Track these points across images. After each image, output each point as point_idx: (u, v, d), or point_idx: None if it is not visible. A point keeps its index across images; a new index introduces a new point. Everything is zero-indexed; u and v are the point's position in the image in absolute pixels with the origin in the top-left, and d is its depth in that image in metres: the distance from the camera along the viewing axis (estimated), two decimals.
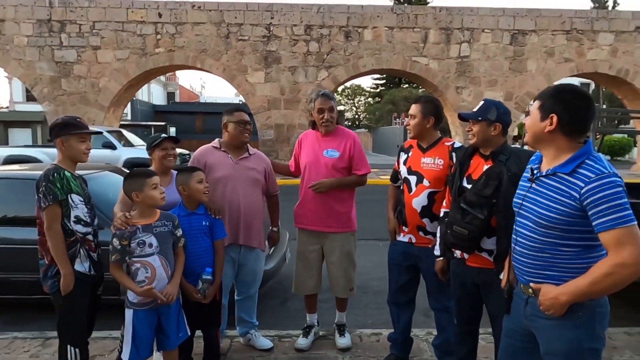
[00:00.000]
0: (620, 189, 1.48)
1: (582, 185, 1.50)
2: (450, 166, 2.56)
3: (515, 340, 1.81)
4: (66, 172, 2.32)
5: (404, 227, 2.71)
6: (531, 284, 1.68)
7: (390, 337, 2.93)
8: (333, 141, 3.01)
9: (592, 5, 34.15)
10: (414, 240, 2.68)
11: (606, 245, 1.49)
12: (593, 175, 1.50)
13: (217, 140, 2.98)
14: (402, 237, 2.73)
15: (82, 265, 2.33)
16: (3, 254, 3.52)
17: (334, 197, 2.97)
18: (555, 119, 1.58)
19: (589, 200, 1.49)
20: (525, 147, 2.56)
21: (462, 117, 2.28)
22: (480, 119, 2.20)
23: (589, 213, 1.50)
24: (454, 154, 2.58)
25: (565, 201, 1.54)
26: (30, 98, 26.01)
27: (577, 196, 1.51)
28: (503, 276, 1.97)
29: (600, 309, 1.61)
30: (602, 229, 1.47)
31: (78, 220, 2.32)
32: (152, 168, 2.64)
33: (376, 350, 3.09)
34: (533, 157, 1.80)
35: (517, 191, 1.78)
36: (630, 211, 1.47)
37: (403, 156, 2.78)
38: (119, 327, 2.51)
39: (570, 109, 1.57)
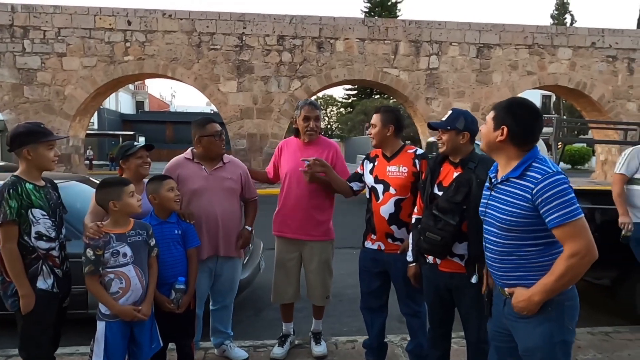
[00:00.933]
0: (566, 185, 1.61)
1: (532, 186, 1.63)
2: (414, 173, 2.65)
3: (499, 342, 1.88)
4: (27, 185, 2.19)
5: (372, 235, 2.76)
6: (505, 289, 1.77)
7: (365, 344, 2.95)
8: (315, 150, 3.02)
9: (551, 21, 35.92)
10: (382, 247, 2.72)
11: (561, 240, 1.61)
12: (540, 176, 1.63)
13: (189, 150, 2.92)
14: (371, 245, 2.78)
15: (44, 283, 2.22)
16: None
17: (314, 206, 2.99)
18: (505, 130, 1.72)
19: (539, 200, 1.61)
20: None
21: (432, 127, 2.36)
22: (449, 128, 2.28)
23: (541, 211, 1.62)
24: (417, 161, 2.68)
25: (519, 203, 1.66)
26: None
27: (530, 197, 1.63)
28: (483, 282, 2.04)
29: (568, 302, 1.71)
30: (555, 225, 1.59)
31: (40, 236, 2.20)
32: (124, 177, 2.58)
33: (352, 357, 3.10)
34: (492, 168, 1.91)
35: (481, 200, 1.88)
36: (578, 205, 1.60)
37: (369, 165, 2.84)
38: (86, 342, 2.43)
39: (519, 122, 1.72)
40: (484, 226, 1.84)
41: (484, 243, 1.86)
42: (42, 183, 2.31)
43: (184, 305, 2.46)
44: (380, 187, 2.71)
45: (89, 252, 2.16)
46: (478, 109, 14.61)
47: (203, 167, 2.83)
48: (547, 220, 1.61)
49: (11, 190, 2.13)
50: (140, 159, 2.63)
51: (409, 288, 2.63)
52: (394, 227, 2.67)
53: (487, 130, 1.80)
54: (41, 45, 13.39)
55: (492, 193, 1.79)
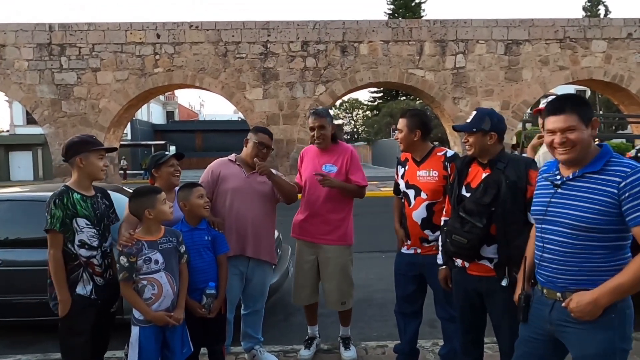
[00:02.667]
0: None
1: (619, 180, 1.56)
2: (445, 177, 2.60)
3: (534, 348, 1.81)
4: (75, 195, 2.32)
5: (407, 241, 2.74)
6: (558, 293, 1.69)
7: (397, 348, 2.91)
8: (331, 157, 3.06)
9: (583, 14, 34.64)
10: (419, 251, 2.70)
11: None
12: (629, 170, 1.57)
13: (233, 155, 3.07)
14: (406, 250, 2.76)
15: (83, 289, 2.32)
16: (5, 276, 3.52)
17: (330, 210, 3.01)
18: (597, 121, 1.68)
19: (627, 194, 1.54)
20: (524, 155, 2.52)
21: (457, 129, 2.31)
22: (475, 130, 2.22)
23: (625, 207, 1.54)
24: (447, 164, 2.63)
25: (601, 199, 1.58)
26: (30, 121, 26.22)
27: (615, 191, 1.56)
28: (517, 286, 1.94)
29: (629, 310, 1.66)
30: None
31: (82, 245, 2.31)
32: (156, 185, 2.66)
33: None
34: (544, 167, 1.82)
35: (538, 199, 1.79)
36: None
37: (400, 170, 2.83)
38: (122, 346, 2.50)
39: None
40: (542, 226, 1.73)
41: (538, 243, 1.76)
42: (92, 193, 2.43)
43: (214, 310, 2.50)
44: (411, 192, 2.69)
45: (123, 260, 2.23)
46: (508, 107, 14.24)
47: (242, 169, 2.95)
48: (632, 217, 1.54)
49: (57, 200, 2.28)
50: (171, 167, 2.72)
51: (447, 291, 2.58)
52: (427, 232, 2.65)
53: (580, 134, 1.62)
54: (77, 61, 14.00)
55: (559, 191, 1.69)
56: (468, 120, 2.27)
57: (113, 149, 2.79)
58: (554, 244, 1.69)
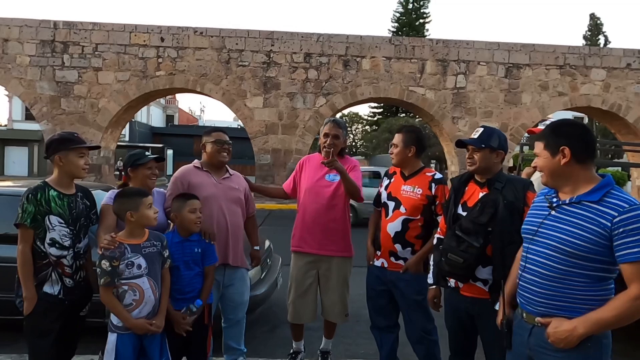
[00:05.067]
0: None
1: (615, 214, 1.52)
2: (428, 196, 2.61)
3: None
4: (52, 192, 2.25)
5: (377, 252, 2.74)
6: (538, 319, 1.65)
7: None
8: None
9: (584, 42, 35.20)
10: (386, 265, 2.70)
11: (630, 276, 1.50)
12: (626, 205, 1.52)
13: (196, 160, 2.95)
14: (376, 262, 2.76)
15: (51, 288, 2.25)
16: None
17: (332, 220, 2.97)
18: (567, 150, 1.62)
19: (620, 230, 1.50)
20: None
21: (465, 143, 2.24)
22: (483, 145, 2.19)
23: (617, 242, 1.51)
24: (433, 185, 2.63)
25: (593, 229, 1.55)
26: (29, 117, 26.16)
27: (608, 225, 1.52)
28: (499, 311, 1.90)
29: (605, 340, 1.60)
30: (631, 260, 1.49)
31: (53, 243, 2.24)
32: (130, 185, 2.58)
33: None
34: (545, 190, 1.79)
35: (530, 218, 1.75)
36: None
37: (385, 181, 2.84)
38: (96, 352, 2.42)
39: (576, 138, 1.63)
40: (529, 246, 1.70)
41: (522, 263, 1.72)
42: (72, 191, 2.35)
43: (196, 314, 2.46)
44: (391, 204, 2.70)
45: (105, 264, 2.15)
46: (506, 129, 14.33)
47: (212, 175, 2.84)
48: (622, 253, 1.50)
49: (30, 196, 2.21)
50: (149, 170, 2.62)
51: (412, 310, 2.55)
52: (397, 246, 2.64)
53: (544, 161, 1.67)
54: (79, 59, 14.00)
55: (553, 213, 1.66)
56: (475, 136, 2.23)
57: (95, 147, 2.68)
58: (537, 265, 1.66)
